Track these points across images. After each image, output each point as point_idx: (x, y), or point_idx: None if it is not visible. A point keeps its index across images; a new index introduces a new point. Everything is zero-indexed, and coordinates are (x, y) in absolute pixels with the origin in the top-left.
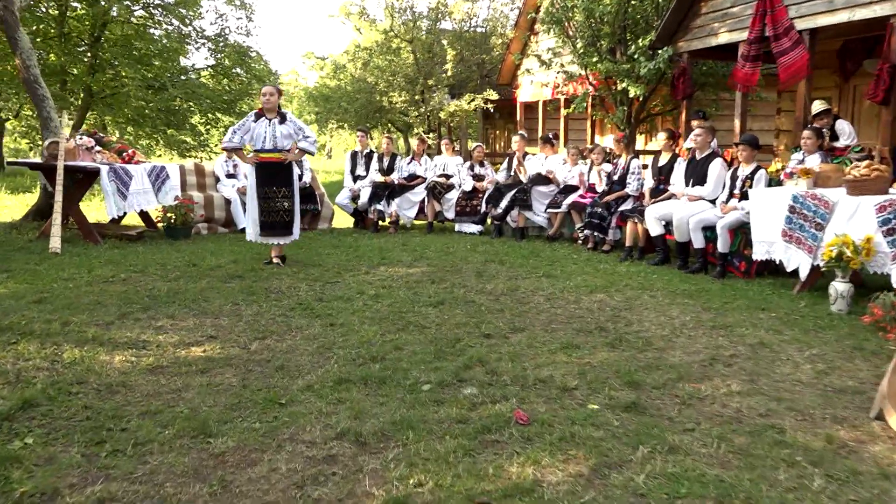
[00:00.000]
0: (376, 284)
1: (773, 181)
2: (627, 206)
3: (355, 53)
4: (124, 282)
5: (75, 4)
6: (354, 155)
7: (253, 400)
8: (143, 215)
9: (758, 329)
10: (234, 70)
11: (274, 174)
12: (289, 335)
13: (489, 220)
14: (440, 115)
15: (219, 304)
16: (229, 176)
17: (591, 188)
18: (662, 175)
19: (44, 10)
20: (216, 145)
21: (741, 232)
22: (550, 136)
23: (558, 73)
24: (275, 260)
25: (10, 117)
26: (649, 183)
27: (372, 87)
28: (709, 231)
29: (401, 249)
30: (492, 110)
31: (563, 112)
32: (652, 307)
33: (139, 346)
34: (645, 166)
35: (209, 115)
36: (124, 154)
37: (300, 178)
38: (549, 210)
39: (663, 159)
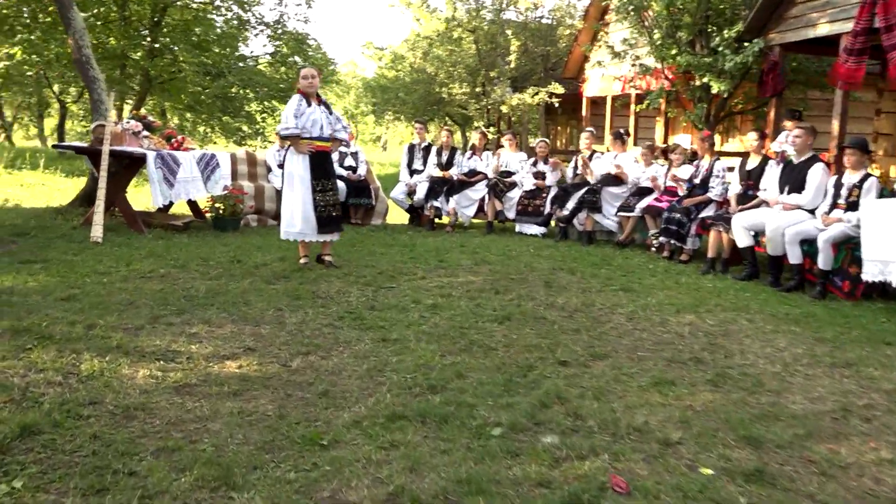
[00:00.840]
0: (434, 292)
1: (886, 191)
2: (709, 212)
3: (415, 42)
4: (162, 278)
5: None
6: (412, 148)
7: (290, 437)
8: (192, 204)
9: (890, 371)
10: (291, 58)
11: (327, 164)
12: (336, 350)
13: (553, 222)
14: (501, 108)
15: (261, 308)
16: (281, 166)
17: (668, 191)
18: (751, 179)
19: None
20: (271, 134)
21: (845, 247)
22: (622, 131)
23: (633, 65)
24: (327, 259)
25: (69, 101)
26: (736, 188)
27: (431, 77)
28: (807, 245)
29: (459, 251)
30: (556, 105)
31: (635, 108)
32: (753, 335)
33: (168, 358)
34: (730, 169)
35: (265, 102)
36: (173, 140)
37: (354, 170)
38: (620, 213)
39: (752, 162)
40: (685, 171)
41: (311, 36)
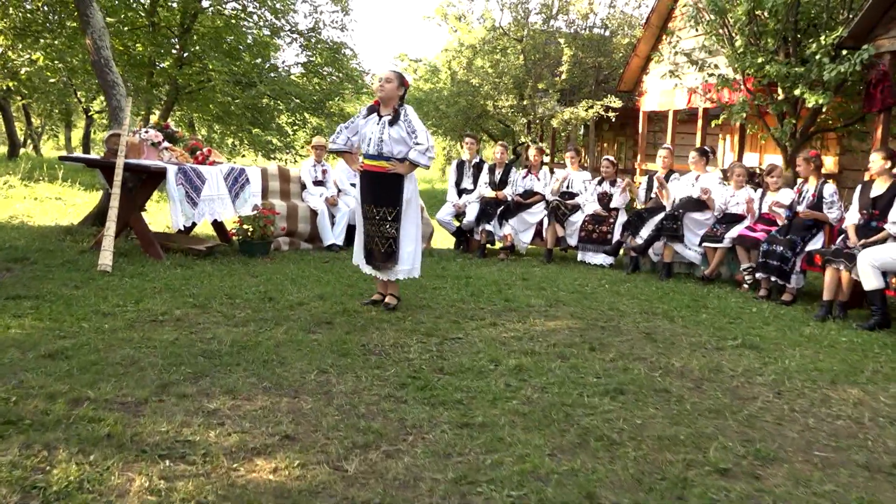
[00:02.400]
0: (513, 347)
1: None
2: (816, 244)
3: (458, 52)
4: (177, 323)
5: None
6: (461, 165)
7: None
8: (216, 225)
9: None
10: (324, 68)
11: (376, 188)
12: (404, 442)
13: (623, 251)
14: (552, 122)
15: (300, 370)
16: (317, 183)
17: (763, 219)
18: (877, 209)
19: None
20: (302, 147)
21: None
22: (707, 149)
23: (710, 75)
24: (387, 299)
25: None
26: (854, 218)
27: (475, 89)
28: None
29: (523, 286)
30: (613, 119)
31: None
32: None
33: (176, 454)
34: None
35: (297, 115)
36: (198, 153)
37: None
38: (705, 244)
39: (878, 188)
40: (786, 196)
41: (346, 45)
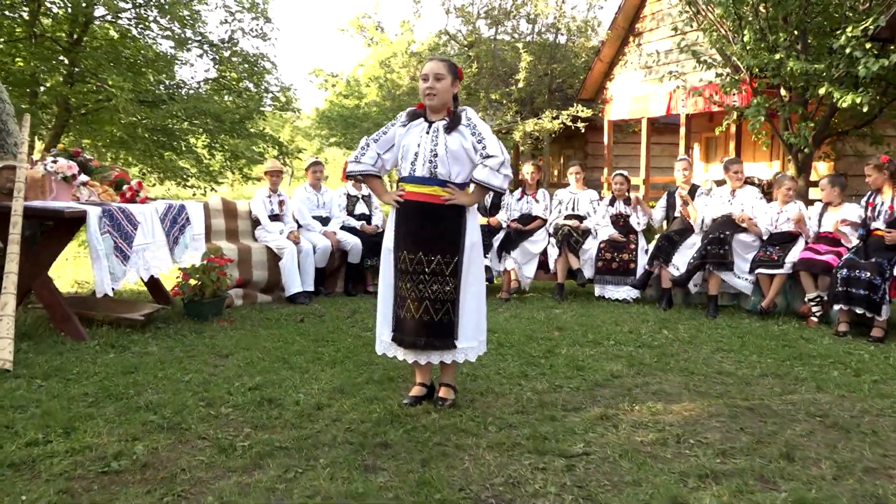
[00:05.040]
0: (671, 463)
1: None
2: None
3: (388, 62)
4: (145, 477)
5: (49, 3)
6: None
7: None
8: (151, 283)
9: None
10: (240, 83)
11: (425, 227)
12: None
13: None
14: (514, 135)
15: None
16: (273, 218)
17: (823, 238)
18: None
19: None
20: (219, 173)
21: None
22: (737, 158)
23: (718, 75)
24: (441, 392)
25: None
26: None
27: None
28: None
29: (568, 340)
30: (583, 130)
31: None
32: None
33: None
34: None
35: (213, 137)
36: (125, 187)
37: (369, 220)
38: (759, 271)
39: None
40: (852, 212)
41: (266, 57)
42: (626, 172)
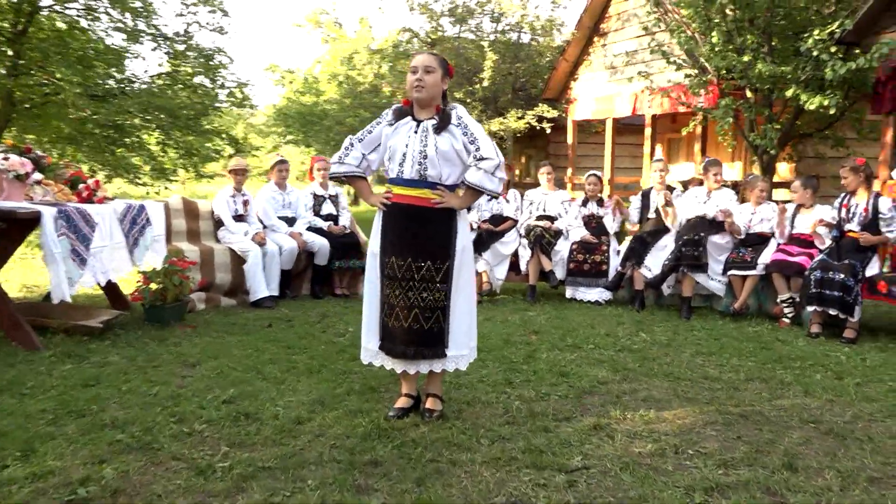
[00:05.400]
0: (673, 475)
1: None
2: (873, 268)
3: (370, 56)
4: None
5: None
6: None
7: None
8: (109, 287)
9: None
10: (195, 78)
11: (415, 231)
12: None
13: (620, 283)
14: None
15: None
16: (238, 218)
17: (796, 239)
18: None
19: None
20: (174, 171)
21: None
22: (718, 161)
23: (687, 76)
24: (429, 403)
25: None
26: None
27: (387, 98)
28: None
29: (547, 344)
30: (548, 130)
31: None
32: None
33: None
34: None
35: (167, 133)
36: (81, 186)
37: (336, 220)
38: (732, 272)
39: None
40: (825, 214)
41: (223, 51)
42: (599, 173)
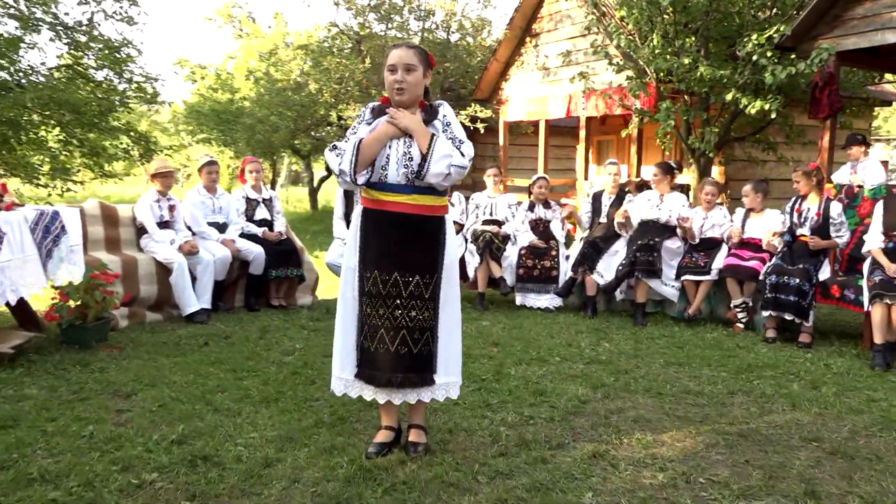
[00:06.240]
0: None
1: None
2: (825, 272)
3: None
4: None
5: None
6: (349, 190)
7: None
8: (18, 306)
9: None
10: (100, 71)
11: (400, 242)
12: None
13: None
14: None
15: None
16: (163, 225)
17: (748, 243)
18: None
19: None
20: (78, 171)
21: None
22: (673, 164)
23: (628, 78)
24: (412, 435)
25: None
26: (877, 241)
27: (312, 96)
28: None
29: (513, 358)
30: (482, 131)
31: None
32: None
33: None
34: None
35: (66, 131)
36: None
37: (270, 225)
38: (685, 277)
39: None
40: (775, 219)
41: (132, 43)
42: (547, 176)
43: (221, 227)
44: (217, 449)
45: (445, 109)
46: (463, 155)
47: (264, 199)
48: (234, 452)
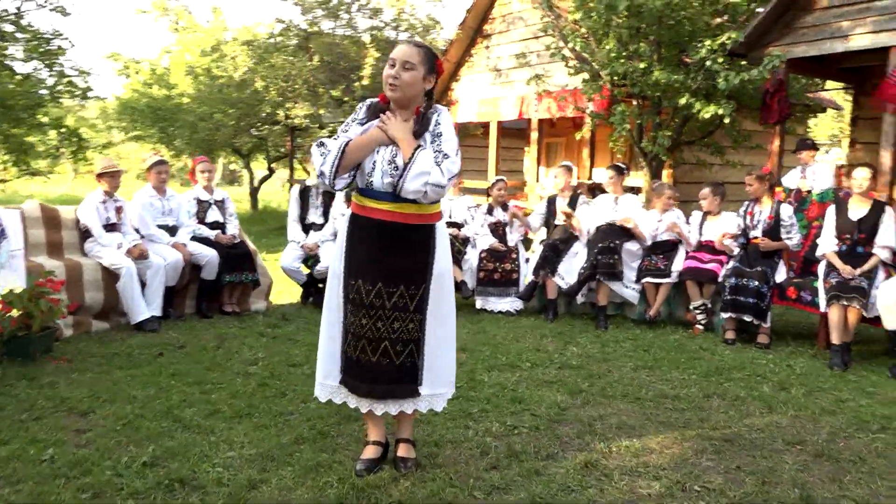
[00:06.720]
0: None
1: None
2: (781, 274)
3: (240, 49)
4: None
5: None
6: (305, 191)
7: None
8: None
9: None
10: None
11: (387, 250)
12: None
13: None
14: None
15: None
16: (109, 228)
17: (705, 246)
18: (863, 233)
19: None
20: (4, 168)
21: None
22: (623, 166)
23: (585, 81)
24: (400, 450)
25: None
26: (831, 245)
27: (258, 94)
28: None
29: (484, 363)
30: None
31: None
32: None
33: None
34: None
35: None
36: None
37: (223, 228)
38: (646, 280)
39: (858, 210)
40: (731, 222)
41: (61, 34)
42: (505, 178)
43: (171, 230)
44: (194, 470)
45: (442, 118)
46: (443, 173)
47: (216, 201)
48: (214, 474)
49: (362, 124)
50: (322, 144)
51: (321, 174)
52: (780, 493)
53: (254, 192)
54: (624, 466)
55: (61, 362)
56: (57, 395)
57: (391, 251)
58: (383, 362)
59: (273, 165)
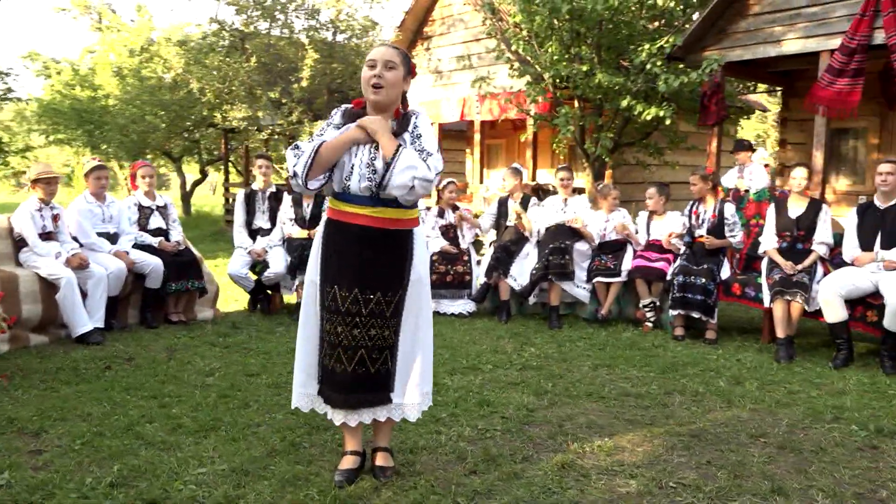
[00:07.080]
0: None
1: None
2: (725, 272)
3: (175, 50)
4: None
5: None
6: (251, 195)
7: None
8: None
9: None
10: None
11: (364, 255)
12: None
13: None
14: (302, 137)
15: None
16: (46, 237)
17: (653, 245)
18: (801, 230)
19: None
20: None
21: None
22: (569, 166)
23: (529, 83)
24: (378, 459)
25: None
26: (772, 242)
27: (193, 96)
28: None
29: (444, 365)
30: None
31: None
32: None
33: None
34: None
35: None
36: None
37: (165, 235)
38: (597, 279)
39: (796, 208)
40: (676, 221)
41: None
42: (455, 181)
43: (112, 238)
44: (166, 489)
45: (420, 119)
46: (429, 168)
47: (159, 207)
48: (187, 492)
49: (338, 128)
50: (296, 147)
51: (294, 174)
52: (752, 486)
53: (186, 196)
54: (599, 466)
55: (1, 380)
56: (3, 416)
57: (369, 257)
58: (359, 371)
59: (207, 169)
